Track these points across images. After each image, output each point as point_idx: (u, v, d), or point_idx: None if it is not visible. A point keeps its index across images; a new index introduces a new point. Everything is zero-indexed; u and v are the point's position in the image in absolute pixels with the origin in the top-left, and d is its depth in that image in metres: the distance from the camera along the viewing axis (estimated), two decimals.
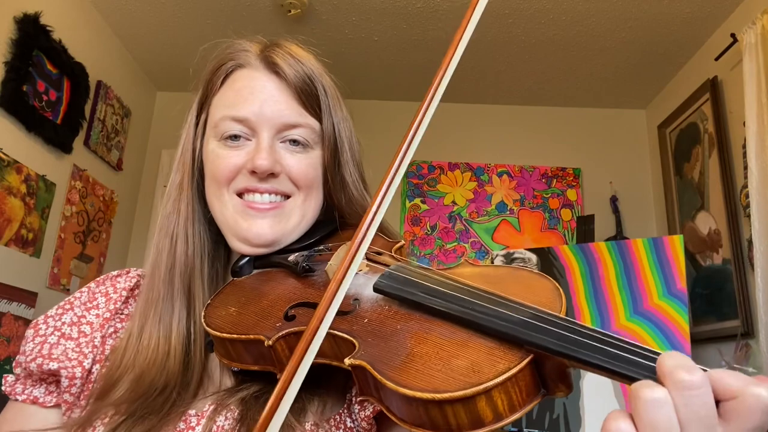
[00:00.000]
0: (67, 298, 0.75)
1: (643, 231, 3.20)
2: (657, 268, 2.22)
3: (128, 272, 0.78)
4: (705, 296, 2.68)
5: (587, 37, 2.82)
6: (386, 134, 3.46)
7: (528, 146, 3.43)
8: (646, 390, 0.39)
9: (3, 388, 0.71)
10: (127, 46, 3.10)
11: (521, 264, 2.54)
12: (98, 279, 0.77)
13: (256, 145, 0.70)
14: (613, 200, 3.27)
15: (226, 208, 0.71)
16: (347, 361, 0.51)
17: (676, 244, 2.21)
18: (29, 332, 0.71)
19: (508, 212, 3.32)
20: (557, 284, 0.55)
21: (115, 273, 0.78)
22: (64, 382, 0.67)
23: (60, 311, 0.73)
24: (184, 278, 0.71)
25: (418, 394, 0.44)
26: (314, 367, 0.54)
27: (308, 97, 0.72)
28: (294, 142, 0.72)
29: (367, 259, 0.65)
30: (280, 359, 0.58)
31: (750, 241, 2.28)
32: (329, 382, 0.63)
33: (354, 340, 0.53)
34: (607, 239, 2.99)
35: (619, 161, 3.38)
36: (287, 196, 0.72)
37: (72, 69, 2.61)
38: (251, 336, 0.59)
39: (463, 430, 0.45)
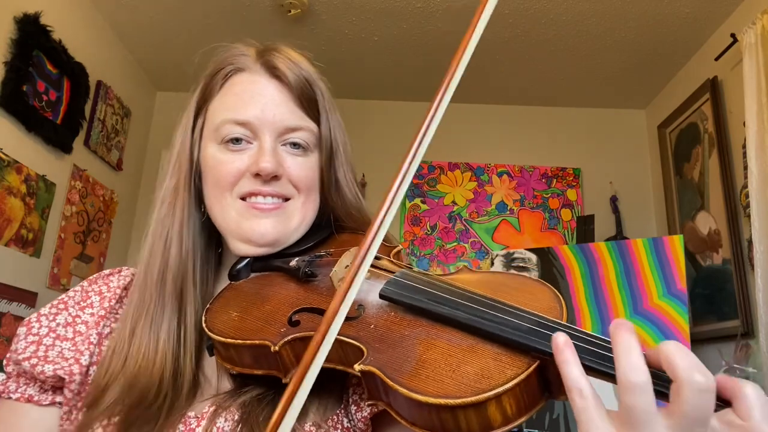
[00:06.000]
0: (60, 297, 0.74)
1: (643, 231, 3.20)
2: (657, 268, 2.22)
3: (120, 271, 0.78)
4: (705, 296, 2.68)
5: (587, 37, 2.82)
6: (386, 134, 3.47)
7: (528, 146, 3.43)
8: (699, 376, 0.40)
9: None
10: (127, 46, 3.10)
11: (521, 264, 2.54)
12: (90, 278, 0.77)
13: (258, 148, 0.70)
14: (613, 200, 3.27)
15: (228, 212, 0.71)
16: (357, 367, 0.52)
17: (676, 244, 2.21)
18: (21, 330, 0.70)
19: (508, 212, 3.32)
20: (555, 290, 0.56)
21: (107, 272, 0.78)
22: (65, 378, 0.66)
23: (54, 311, 0.72)
24: (177, 281, 0.70)
25: (431, 400, 0.46)
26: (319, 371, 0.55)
27: (308, 101, 0.73)
28: (295, 145, 0.72)
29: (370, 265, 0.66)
30: (285, 364, 0.59)
31: (750, 241, 2.28)
32: (328, 384, 0.63)
33: (362, 346, 0.54)
34: (607, 239, 2.99)
35: (619, 161, 3.38)
36: (287, 199, 0.72)
37: (72, 69, 2.61)
38: (256, 341, 0.60)
39: None
